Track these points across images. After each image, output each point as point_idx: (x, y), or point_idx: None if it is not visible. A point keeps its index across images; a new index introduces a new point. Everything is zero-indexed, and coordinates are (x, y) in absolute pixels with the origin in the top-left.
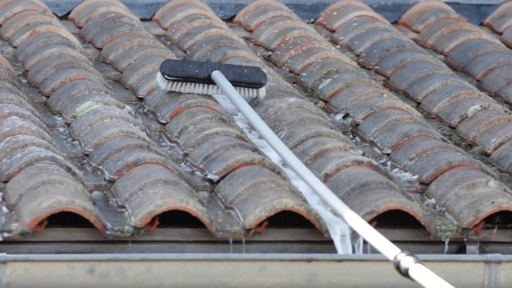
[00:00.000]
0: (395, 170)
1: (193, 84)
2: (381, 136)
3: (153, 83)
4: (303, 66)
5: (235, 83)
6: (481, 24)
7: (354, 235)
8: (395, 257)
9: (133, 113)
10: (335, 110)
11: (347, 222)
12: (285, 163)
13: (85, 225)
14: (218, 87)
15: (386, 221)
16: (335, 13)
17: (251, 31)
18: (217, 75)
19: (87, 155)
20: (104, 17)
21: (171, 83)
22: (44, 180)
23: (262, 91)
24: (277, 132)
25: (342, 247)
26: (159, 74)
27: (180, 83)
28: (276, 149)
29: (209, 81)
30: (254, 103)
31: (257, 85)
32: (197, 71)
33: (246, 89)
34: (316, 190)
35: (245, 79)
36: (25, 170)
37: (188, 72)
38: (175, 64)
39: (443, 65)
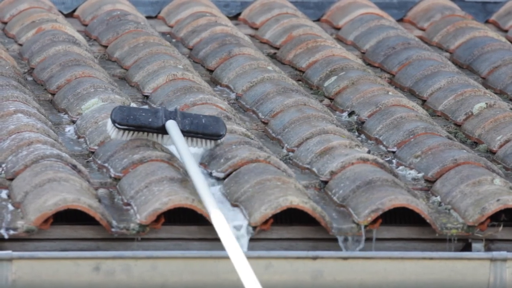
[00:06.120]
0: (400, 167)
1: (145, 133)
2: (387, 134)
3: (159, 80)
4: (308, 63)
5: (191, 134)
6: (487, 22)
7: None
8: None
9: None
10: (341, 108)
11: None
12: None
13: (91, 222)
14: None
15: (391, 218)
16: (340, 11)
17: (256, 29)
18: (171, 126)
19: (92, 152)
20: (109, 14)
21: (121, 131)
22: (50, 177)
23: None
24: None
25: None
26: (109, 121)
27: (131, 132)
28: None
29: (163, 131)
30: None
31: (215, 136)
32: (150, 119)
33: (204, 140)
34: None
35: (202, 130)
36: (30, 167)
37: (141, 120)
38: (127, 111)
39: (448, 62)
